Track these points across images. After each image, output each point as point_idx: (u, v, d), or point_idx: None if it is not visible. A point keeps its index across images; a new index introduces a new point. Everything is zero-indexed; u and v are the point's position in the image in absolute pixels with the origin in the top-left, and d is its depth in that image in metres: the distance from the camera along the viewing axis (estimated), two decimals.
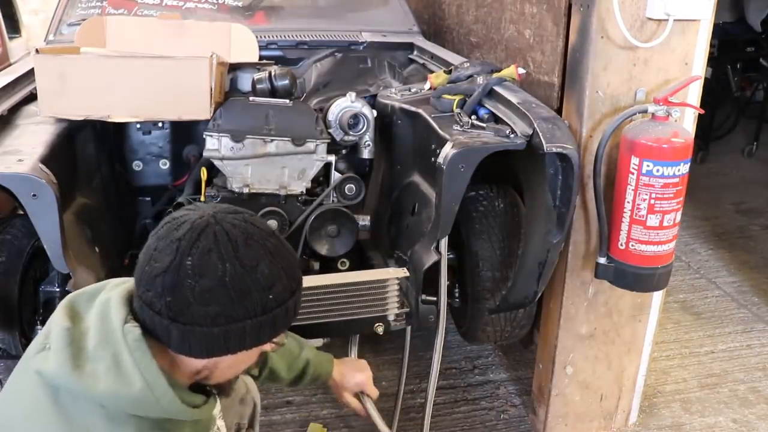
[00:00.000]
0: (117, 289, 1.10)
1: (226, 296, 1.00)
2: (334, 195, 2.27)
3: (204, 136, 2.12)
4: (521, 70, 2.07)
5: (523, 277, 2.01)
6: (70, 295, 1.14)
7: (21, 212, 1.95)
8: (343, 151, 2.37)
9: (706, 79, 2.02)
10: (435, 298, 2.05)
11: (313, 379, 1.63)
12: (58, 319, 1.07)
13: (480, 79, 2.06)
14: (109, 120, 1.95)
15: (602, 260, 1.93)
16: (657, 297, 2.22)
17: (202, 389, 1.15)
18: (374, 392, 1.69)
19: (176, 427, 1.05)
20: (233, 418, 1.55)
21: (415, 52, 2.88)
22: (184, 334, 1.01)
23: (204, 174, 2.16)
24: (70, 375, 0.98)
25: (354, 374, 1.67)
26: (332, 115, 2.29)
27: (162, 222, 1.06)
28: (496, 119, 1.96)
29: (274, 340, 1.12)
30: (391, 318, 2.04)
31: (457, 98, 2.06)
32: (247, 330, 1.03)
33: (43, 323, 1.99)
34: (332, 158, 2.24)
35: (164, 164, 2.45)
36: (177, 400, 1.00)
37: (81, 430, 0.98)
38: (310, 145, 2.16)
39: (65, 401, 0.99)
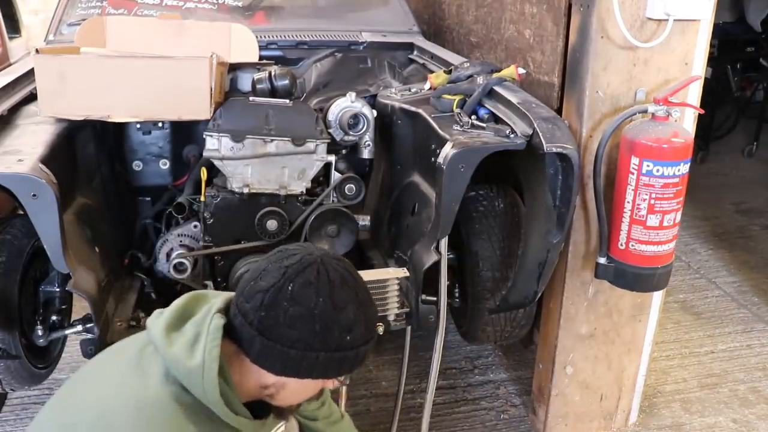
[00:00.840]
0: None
1: (311, 326, 1.13)
2: (334, 195, 2.27)
3: (204, 136, 2.11)
4: (521, 70, 2.07)
5: (523, 277, 2.01)
6: (201, 290, 1.29)
7: (21, 212, 1.95)
8: (343, 151, 2.37)
9: (706, 79, 2.02)
10: (435, 298, 2.05)
11: None
12: (183, 297, 1.23)
13: (480, 79, 2.06)
14: (109, 120, 1.95)
15: (602, 260, 1.93)
16: (657, 297, 2.22)
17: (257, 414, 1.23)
18: None
19: (211, 424, 1.11)
20: None
21: (415, 52, 2.88)
22: (265, 348, 1.13)
23: (204, 174, 2.16)
24: (160, 333, 1.14)
25: None
26: (332, 115, 2.29)
27: (275, 249, 1.23)
28: (496, 119, 1.96)
29: (339, 378, 1.24)
30: (391, 318, 2.04)
31: (457, 98, 2.06)
32: (320, 361, 1.15)
33: (43, 323, 1.99)
34: (332, 158, 2.24)
35: (164, 164, 2.45)
36: (217, 389, 1.09)
37: (144, 373, 1.11)
38: (310, 145, 2.15)
39: (148, 351, 1.14)
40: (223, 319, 1.15)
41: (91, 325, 1.88)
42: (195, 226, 2.21)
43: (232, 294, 1.23)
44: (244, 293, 1.16)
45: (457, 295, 2.28)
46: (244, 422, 1.17)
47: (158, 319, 1.18)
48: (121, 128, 2.37)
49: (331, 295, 1.14)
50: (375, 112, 2.34)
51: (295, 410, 1.35)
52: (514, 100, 1.92)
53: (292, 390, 1.21)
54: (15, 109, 2.02)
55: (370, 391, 2.59)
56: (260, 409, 1.25)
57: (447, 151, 1.80)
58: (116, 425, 1.04)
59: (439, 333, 2.02)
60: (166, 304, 1.23)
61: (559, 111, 2.01)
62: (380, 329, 2.05)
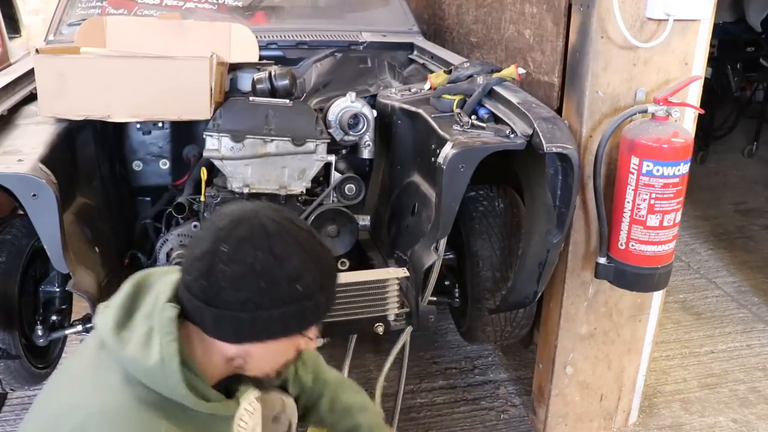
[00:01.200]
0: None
1: (256, 283, 1.06)
2: (334, 195, 2.27)
3: (204, 136, 2.12)
4: (521, 70, 2.07)
5: (523, 277, 2.01)
6: (145, 270, 1.22)
7: (21, 212, 1.95)
8: (343, 151, 2.37)
9: (706, 79, 2.02)
10: (435, 298, 2.06)
11: None
12: (126, 285, 1.17)
13: (480, 79, 2.06)
14: (109, 120, 1.95)
15: (602, 260, 1.93)
16: (657, 297, 2.22)
17: (232, 393, 1.20)
18: None
19: (183, 415, 1.08)
20: None
21: (415, 52, 2.88)
22: (216, 318, 1.07)
23: (204, 174, 2.16)
24: (110, 331, 1.08)
25: None
26: (332, 115, 2.29)
27: (210, 215, 1.13)
28: (496, 119, 1.96)
29: (308, 335, 1.17)
30: (391, 318, 2.04)
31: (457, 98, 2.06)
32: (274, 318, 1.08)
33: (43, 323, 1.99)
34: (332, 158, 2.24)
35: (164, 164, 2.45)
36: (183, 383, 1.05)
37: (104, 379, 1.06)
38: (310, 145, 2.15)
39: (103, 356, 1.09)
40: (175, 307, 1.10)
41: (91, 325, 1.88)
42: (195, 226, 2.20)
43: (177, 270, 1.18)
44: (185, 267, 1.11)
45: (457, 295, 2.28)
46: (218, 406, 1.13)
47: (105, 317, 1.12)
48: (121, 128, 2.37)
49: (270, 248, 1.07)
50: (375, 112, 2.34)
51: (276, 379, 1.26)
52: (514, 100, 1.92)
53: (259, 356, 1.15)
54: (15, 109, 2.02)
55: (370, 391, 2.58)
56: (238, 383, 1.21)
57: (447, 151, 1.80)
58: None
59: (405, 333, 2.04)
60: None
61: (559, 111, 2.01)
62: (380, 329, 2.05)
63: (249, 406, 1.27)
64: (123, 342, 1.07)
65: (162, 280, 1.17)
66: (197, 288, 1.07)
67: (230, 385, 1.22)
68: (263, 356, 1.15)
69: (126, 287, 1.16)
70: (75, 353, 1.18)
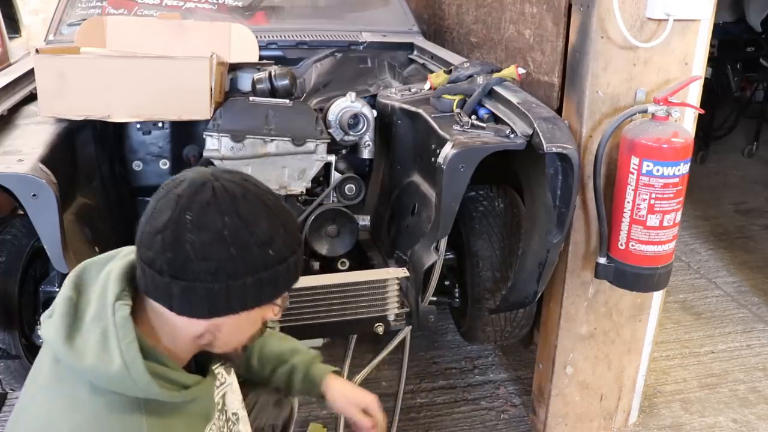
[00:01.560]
0: (122, 260, 1.10)
1: (226, 250, 0.99)
2: (334, 195, 2.27)
3: (204, 136, 2.12)
4: (521, 70, 2.07)
5: (523, 277, 2.01)
6: (81, 263, 1.13)
7: (21, 212, 1.95)
8: (343, 151, 2.38)
9: (706, 79, 2.02)
10: (435, 298, 2.05)
11: (301, 389, 1.47)
12: (64, 287, 1.08)
13: (480, 79, 2.06)
14: (109, 120, 1.95)
15: (602, 260, 1.93)
16: (657, 297, 2.22)
17: (203, 370, 1.14)
18: (381, 416, 1.47)
19: (160, 408, 1.03)
20: (267, 419, 1.51)
21: (415, 52, 2.88)
22: (185, 292, 1.00)
23: None
24: (62, 345, 1.00)
25: (358, 391, 1.49)
26: (332, 115, 2.29)
27: (162, 184, 1.06)
28: (496, 119, 1.96)
29: (277, 302, 1.11)
30: (391, 318, 2.04)
31: (457, 98, 2.06)
32: (248, 287, 1.02)
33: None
34: (332, 158, 2.25)
35: (164, 164, 2.45)
36: (153, 382, 0.99)
37: (69, 394, 1.00)
38: (310, 145, 2.16)
39: (61, 370, 1.02)
40: (126, 304, 1.02)
41: None
42: None
43: (127, 252, 1.11)
44: (142, 242, 1.02)
45: (457, 295, 2.28)
46: (196, 390, 1.08)
47: (51, 330, 1.03)
48: (121, 128, 2.38)
49: (236, 211, 0.99)
50: (375, 112, 2.34)
51: (243, 353, 1.19)
52: (514, 100, 1.92)
53: (230, 330, 1.08)
54: (15, 109, 2.02)
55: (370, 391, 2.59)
56: (206, 360, 1.16)
57: (447, 151, 1.80)
58: None
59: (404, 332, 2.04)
60: None
61: (559, 111, 2.01)
62: (380, 329, 2.05)
63: (223, 377, 1.23)
64: (78, 353, 0.99)
65: (101, 272, 1.09)
66: (162, 261, 0.99)
67: (200, 360, 1.16)
68: (233, 329, 1.09)
69: (64, 290, 1.07)
70: (32, 371, 1.10)
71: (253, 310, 1.07)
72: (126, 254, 1.12)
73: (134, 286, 1.07)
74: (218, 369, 1.23)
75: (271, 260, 1.03)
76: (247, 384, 1.42)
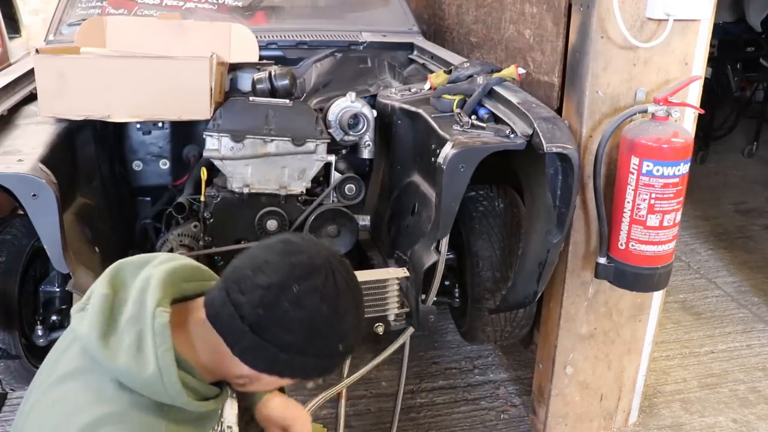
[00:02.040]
0: (162, 267, 1.14)
1: (310, 332, 1.07)
2: (334, 195, 2.27)
3: (204, 136, 2.12)
4: (521, 70, 2.07)
5: (523, 277, 2.01)
6: (118, 261, 1.18)
7: (21, 212, 1.95)
8: (343, 151, 2.38)
9: (706, 79, 2.02)
10: (436, 298, 2.05)
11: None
12: (100, 283, 1.12)
13: (480, 79, 2.06)
14: (109, 120, 1.95)
15: (602, 260, 1.93)
16: (657, 297, 2.22)
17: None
18: None
19: (179, 414, 1.07)
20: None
21: (415, 52, 2.88)
22: (255, 347, 1.06)
23: (204, 174, 2.16)
24: (96, 342, 1.03)
25: (289, 409, 1.44)
26: (332, 115, 2.29)
27: (275, 238, 1.13)
28: (496, 119, 1.96)
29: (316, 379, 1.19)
30: (391, 318, 2.04)
31: (457, 98, 2.06)
32: (308, 365, 1.10)
33: (43, 323, 1.99)
34: (332, 158, 2.25)
35: (164, 164, 2.45)
36: (183, 392, 1.03)
37: (95, 387, 1.02)
38: (310, 145, 2.16)
39: (89, 360, 1.05)
40: (166, 311, 1.06)
41: None
42: (195, 226, 2.21)
43: (165, 258, 1.15)
44: (239, 284, 1.07)
45: (457, 295, 2.28)
46: (215, 402, 1.13)
47: (86, 322, 1.06)
48: (121, 128, 2.38)
49: (336, 304, 1.08)
50: (375, 112, 2.34)
51: (253, 395, 1.26)
52: (514, 100, 1.92)
53: (266, 383, 1.15)
54: (15, 109, 2.02)
55: (370, 391, 2.59)
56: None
57: (447, 151, 1.80)
58: None
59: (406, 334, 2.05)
60: None
61: (559, 111, 2.01)
62: (380, 329, 2.05)
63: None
64: (112, 351, 1.02)
65: (137, 275, 1.13)
66: (249, 312, 1.05)
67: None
68: (267, 384, 1.16)
69: (99, 287, 1.11)
70: (51, 355, 1.14)
71: (296, 379, 1.15)
72: (163, 261, 1.17)
73: (172, 294, 1.11)
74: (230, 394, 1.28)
75: (338, 353, 1.12)
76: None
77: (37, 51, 1.98)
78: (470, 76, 2.11)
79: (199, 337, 1.10)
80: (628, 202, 1.81)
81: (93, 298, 1.09)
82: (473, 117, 1.98)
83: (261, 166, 2.14)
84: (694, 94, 1.96)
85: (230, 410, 1.31)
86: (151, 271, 1.12)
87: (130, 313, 1.07)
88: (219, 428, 1.26)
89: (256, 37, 2.44)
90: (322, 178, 2.32)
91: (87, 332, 1.05)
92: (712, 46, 4.33)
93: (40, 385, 1.09)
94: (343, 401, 1.97)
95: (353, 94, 2.29)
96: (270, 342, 1.05)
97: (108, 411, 1.00)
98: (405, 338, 2.07)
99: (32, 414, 1.06)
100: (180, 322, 1.10)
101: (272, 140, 2.12)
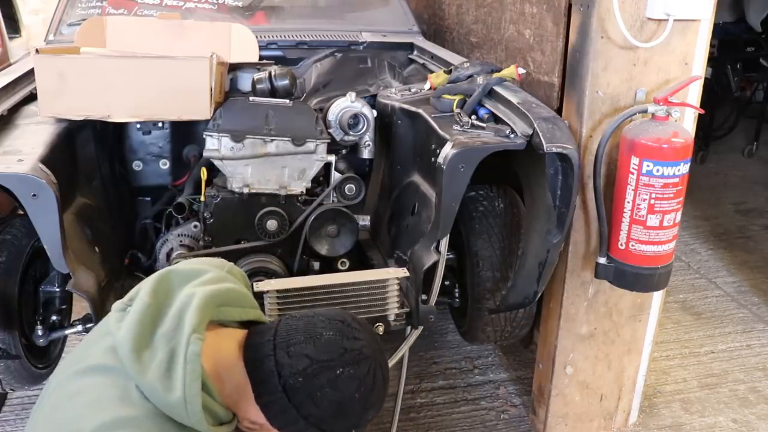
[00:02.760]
0: (206, 288, 1.16)
1: (334, 413, 1.11)
2: (334, 195, 2.27)
3: (204, 136, 2.11)
4: (521, 70, 2.07)
5: (523, 277, 2.01)
6: (168, 268, 1.21)
7: (21, 212, 1.95)
8: (343, 151, 2.37)
9: (706, 79, 2.02)
10: (436, 298, 2.05)
11: None
12: (145, 289, 1.14)
13: (480, 79, 2.06)
14: (109, 120, 1.95)
15: (602, 260, 1.93)
16: (657, 297, 2.22)
17: None
18: None
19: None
20: None
21: (415, 52, 2.88)
22: (282, 409, 1.10)
23: (204, 174, 2.16)
24: (129, 353, 1.04)
25: None
26: (332, 115, 2.29)
27: (338, 312, 1.20)
28: (496, 119, 1.96)
29: None
30: (391, 318, 2.04)
31: (457, 98, 2.06)
32: None
33: (43, 323, 1.99)
34: (332, 158, 2.24)
35: (164, 164, 2.45)
36: (204, 420, 1.05)
37: (122, 388, 1.03)
38: (310, 145, 2.15)
39: (116, 358, 1.06)
40: (200, 339, 1.07)
41: (91, 325, 1.88)
42: (195, 226, 2.21)
43: (212, 279, 1.17)
44: (289, 346, 1.11)
45: (457, 295, 2.28)
46: (228, 427, 1.15)
47: (124, 329, 1.07)
48: (121, 128, 2.37)
49: (368, 396, 1.13)
50: (375, 112, 2.34)
51: None
52: (514, 100, 1.92)
53: None
54: (15, 109, 2.02)
55: None
56: None
57: (447, 151, 1.80)
58: None
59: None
60: None
61: (559, 111, 2.01)
62: (380, 329, 2.05)
63: None
64: (142, 366, 1.04)
65: (184, 287, 1.15)
66: (289, 375, 1.09)
67: None
68: None
69: (143, 295, 1.12)
70: (88, 341, 1.15)
71: None
72: (209, 281, 1.18)
73: (210, 317, 1.13)
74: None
75: (350, 430, 1.16)
76: None
77: (37, 51, 1.98)
78: (470, 76, 2.11)
79: (229, 370, 1.13)
80: (628, 202, 1.81)
81: (135, 304, 1.11)
82: (473, 117, 1.98)
83: (261, 166, 2.14)
84: (694, 94, 1.96)
85: None
86: (195, 290, 1.14)
87: (167, 328, 1.09)
88: None
89: (256, 37, 2.44)
90: (322, 178, 2.32)
91: (122, 339, 1.06)
92: (712, 46, 4.33)
93: (66, 369, 1.10)
94: None
95: (353, 94, 2.29)
96: (296, 407, 1.10)
97: (129, 414, 1.01)
98: (416, 334, 2.07)
99: (53, 398, 1.07)
100: (213, 347, 1.12)
101: (272, 140, 2.12)
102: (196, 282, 1.18)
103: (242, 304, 1.25)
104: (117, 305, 1.14)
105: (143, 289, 1.14)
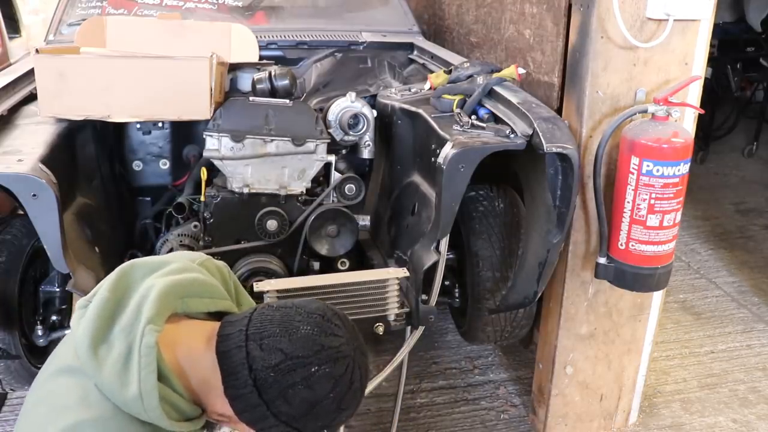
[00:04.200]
0: (166, 279, 1.12)
1: (306, 412, 1.06)
2: (334, 195, 2.27)
3: (204, 136, 2.11)
4: (521, 70, 2.07)
5: (523, 277, 2.01)
6: (131, 261, 1.17)
7: (21, 212, 1.95)
8: (343, 151, 2.37)
9: (706, 79, 2.02)
10: (431, 298, 2.05)
11: None
12: (106, 284, 1.11)
13: (480, 79, 2.06)
14: (109, 120, 1.95)
15: (602, 260, 1.93)
16: (657, 297, 2.22)
17: None
18: None
19: (159, 429, 1.05)
20: None
21: (415, 52, 2.88)
22: (250, 402, 1.05)
23: (204, 174, 2.16)
24: (85, 350, 1.02)
25: None
26: (332, 115, 2.29)
27: (318, 305, 1.12)
28: (496, 119, 1.96)
29: None
30: (391, 318, 2.04)
31: (457, 98, 2.06)
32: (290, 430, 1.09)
33: (43, 323, 2.00)
34: (332, 158, 2.24)
35: (164, 164, 2.45)
36: (163, 415, 1.02)
37: (82, 389, 1.02)
38: (310, 145, 2.16)
39: (76, 367, 1.04)
40: (156, 330, 1.03)
41: None
42: (195, 226, 2.21)
43: (174, 269, 1.14)
44: (263, 338, 1.06)
45: (457, 295, 2.28)
46: (195, 423, 1.11)
47: (81, 327, 1.05)
48: (121, 128, 2.37)
49: (343, 396, 1.08)
50: (375, 112, 2.34)
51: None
52: (514, 100, 1.92)
53: (241, 428, 1.14)
54: (15, 109, 2.02)
55: (369, 391, 2.59)
56: None
57: (447, 151, 1.80)
58: None
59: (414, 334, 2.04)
60: None
61: (559, 111, 2.01)
62: (380, 329, 2.05)
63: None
64: (98, 362, 1.01)
65: (145, 279, 1.12)
66: (260, 369, 1.04)
67: None
68: (244, 430, 1.14)
69: (103, 290, 1.09)
70: (57, 348, 1.14)
71: None
72: (171, 272, 1.14)
73: (171, 309, 1.10)
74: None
75: (328, 425, 1.10)
76: None
77: (37, 51, 1.98)
78: (470, 76, 2.11)
79: (196, 361, 1.09)
80: (628, 202, 1.81)
81: (95, 299, 1.08)
82: (473, 117, 1.98)
83: (261, 166, 2.14)
84: (694, 94, 1.96)
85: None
86: (155, 282, 1.11)
87: (126, 322, 1.05)
88: None
89: (256, 37, 2.44)
90: (322, 178, 2.32)
91: (80, 337, 1.04)
92: (712, 46, 4.33)
93: (42, 372, 1.10)
94: None
95: (353, 94, 2.29)
96: (267, 404, 1.05)
97: (90, 416, 0.99)
98: (414, 339, 2.07)
99: (28, 402, 1.07)
100: (175, 339, 1.08)
101: (272, 140, 2.12)
102: (158, 273, 1.13)
103: (211, 294, 1.20)
104: (80, 302, 1.11)
105: (105, 283, 1.11)
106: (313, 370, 1.04)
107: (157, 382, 1.01)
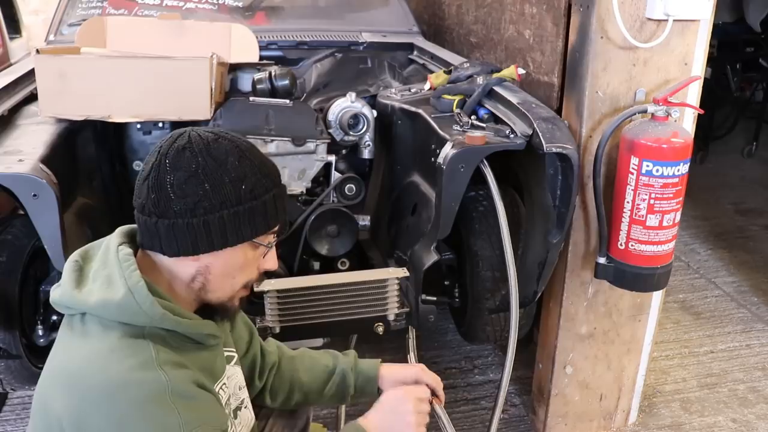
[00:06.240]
0: (119, 229, 1.19)
1: (201, 187, 1.08)
2: (334, 195, 2.27)
3: None
4: (521, 70, 2.07)
5: (523, 277, 2.01)
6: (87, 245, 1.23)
7: (21, 212, 1.95)
8: (343, 151, 2.38)
9: (705, 79, 2.02)
10: (435, 298, 2.05)
11: (359, 388, 1.49)
12: (70, 257, 1.17)
13: (480, 79, 2.06)
14: (110, 120, 1.95)
15: (602, 260, 1.94)
16: (657, 297, 2.22)
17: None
18: (430, 378, 1.50)
19: (165, 343, 1.08)
20: (282, 428, 1.54)
21: (415, 53, 2.88)
22: (169, 230, 1.09)
23: None
24: (70, 294, 1.09)
25: (403, 368, 1.51)
26: (332, 115, 2.29)
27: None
28: (496, 119, 1.97)
29: (263, 242, 1.17)
30: (391, 318, 2.05)
31: (457, 98, 2.07)
32: (226, 221, 1.09)
33: (43, 323, 1.99)
34: (332, 158, 2.25)
35: None
36: (156, 304, 1.06)
37: (80, 334, 1.08)
38: (310, 145, 2.16)
39: (73, 321, 1.10)
40: (129, 245, 1.12)
41: None
42: None
43: (119, 232, 1.19)
44: (135, 194, 1.13)
45: (457, 295, 2.28)
46: (201, 323, 1.13)
47: (60, 287, 1.12)
48: (121, 128, 2.37)
49: (209, 152, 1.09)
50: (375, 112, 2.34)
51: (239, 307, 1.25)
52: (513, 100, 1.93)
53: (219, 271, 1.14)
54: (15, 109, 2.02)
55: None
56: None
57: (447, 151, 1.80)
58: (92, 384, 1.00)
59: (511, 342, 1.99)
60: None
61: (558, 111, 2.01)
62: (380, 329, 2.05)
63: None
64: (85, 294, 1.08)
65: (100, 244, 1.18)
66: (150, 204, 1.09)
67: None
68: (222, 270, 1.14)
69: (69, 259, 1.16)
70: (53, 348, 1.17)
71: (237, 248, 1.13)
72: (123, 227, 1.21)
73: (134, 244, 1.16)
74: (227, 352, 1.29)
75: (245, 196, 1.11)
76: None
77: (37, 51, 1.98)
78: (470, 76, 2.12)
79: (155, 269, 1.14)
80: (628, 202, 1.81)
81: (65, 269, 1.14)
82: (473, 117, 1.98)
83: None
84: (694, 94, 1.97)
85: (238, 372, 1.32)
86: (111, 237, 1.17)
87: (98, 265, 1.12)
88: (228, 388, 1.25)
89: (256, 37, 2.44)
90: (322, 178, 2.32)
91: (62, 293, 1.10)
92: (711, 46, 4.33)
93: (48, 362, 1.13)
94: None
95: (353, 94, 2.30)
96: (177, 217, 1.08)
97: (96, 348, 1.04)
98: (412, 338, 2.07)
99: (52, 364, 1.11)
100: (143, 265, 1.12)
101: (272, 140, 2.12)
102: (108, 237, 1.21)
103: None
104: (53, 288, 1.17)
105: (69, 258, 1.17)
106: (166, 161, 1.08)
107: (140, 276, 1.07)
